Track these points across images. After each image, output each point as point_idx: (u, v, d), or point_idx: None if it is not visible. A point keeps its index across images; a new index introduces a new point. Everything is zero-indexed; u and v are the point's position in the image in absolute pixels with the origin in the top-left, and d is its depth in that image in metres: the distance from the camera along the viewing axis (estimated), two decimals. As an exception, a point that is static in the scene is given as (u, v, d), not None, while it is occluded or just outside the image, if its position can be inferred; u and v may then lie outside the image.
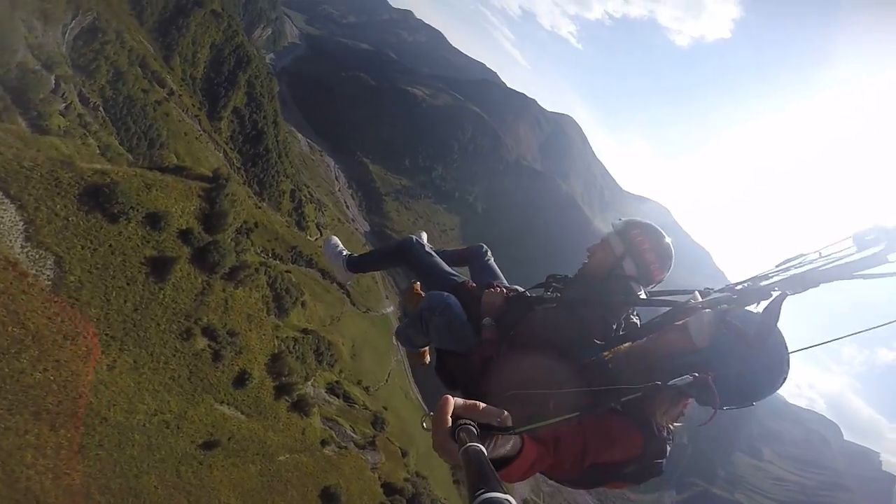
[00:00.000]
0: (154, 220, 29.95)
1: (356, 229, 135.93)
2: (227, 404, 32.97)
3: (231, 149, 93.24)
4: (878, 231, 1.66)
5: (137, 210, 28.38)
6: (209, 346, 32.41)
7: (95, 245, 25.36)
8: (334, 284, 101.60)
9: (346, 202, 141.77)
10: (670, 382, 1.64)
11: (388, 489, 45.27)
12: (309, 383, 52.50)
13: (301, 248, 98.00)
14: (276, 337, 44.45)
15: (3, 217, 20.30)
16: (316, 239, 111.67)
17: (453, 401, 1.25)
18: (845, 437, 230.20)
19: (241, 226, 65.08)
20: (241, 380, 34.43)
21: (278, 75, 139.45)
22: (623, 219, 2.85)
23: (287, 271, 76.51)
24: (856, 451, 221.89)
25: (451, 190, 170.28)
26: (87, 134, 50.80)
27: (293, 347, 54.25)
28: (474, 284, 3.35)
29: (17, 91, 44.19)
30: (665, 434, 1.95)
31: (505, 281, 3.50)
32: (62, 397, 21.36)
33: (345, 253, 4.00)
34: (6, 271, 19.94)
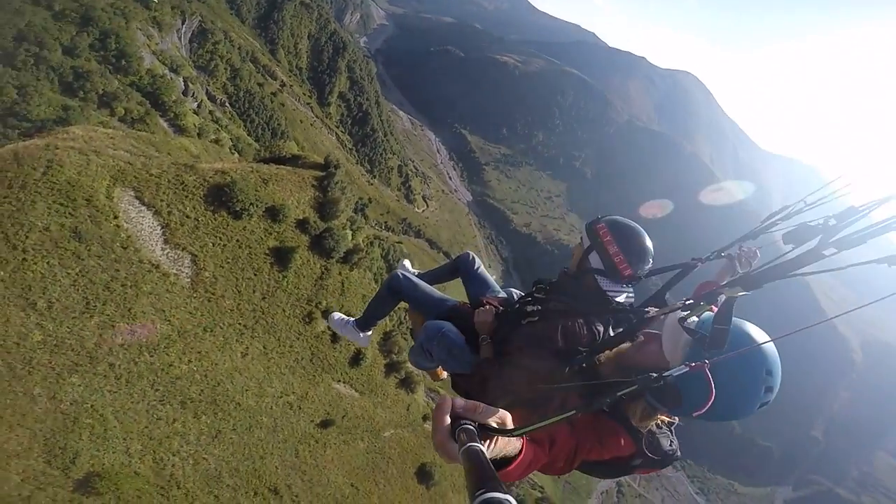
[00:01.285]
0: (273, 213, 31.42)
1: (459, 199, 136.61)
2: (344, 383, 34.57)
3: (342, 131, 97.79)
4: (806, 228, 1.70)
5: (257, 205, 29.77)
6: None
7: (224, 241, 26.99)
8: (441, 253, 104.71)
9: (448, 174, 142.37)
10: (665, 374, 1.60)
11: (481, 466, 45.61)
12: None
13: (410, 220, 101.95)
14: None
15: (142, 224, 22.04)
16: (423, 210, 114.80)
17: (451, 401, 1.25)
18: None
19: (357, 203, 69.02)
20: (356, 359, 35.92)
21: (374, 57, 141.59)
22: (599, 216, 2.80)
23: (398, 242, 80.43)
24: None
25: (555, 156, 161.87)
26: (220, 129, 55.45)
27: (404, 318, 56.55)
28: (467, 303, 3.46)
29: (153, 96, 49.07)
30: (656, 429, 2.05)
31: (497, 288, 3.58)
32: (204, 386, 23.32)
33: (351, 320, 4.10)
34: (151, 273, 21.82)
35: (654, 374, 1.60)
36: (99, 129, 25.37)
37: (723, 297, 1.73)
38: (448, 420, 1.21)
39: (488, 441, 1.25)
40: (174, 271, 23.47)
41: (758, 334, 1.88)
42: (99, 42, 48.03)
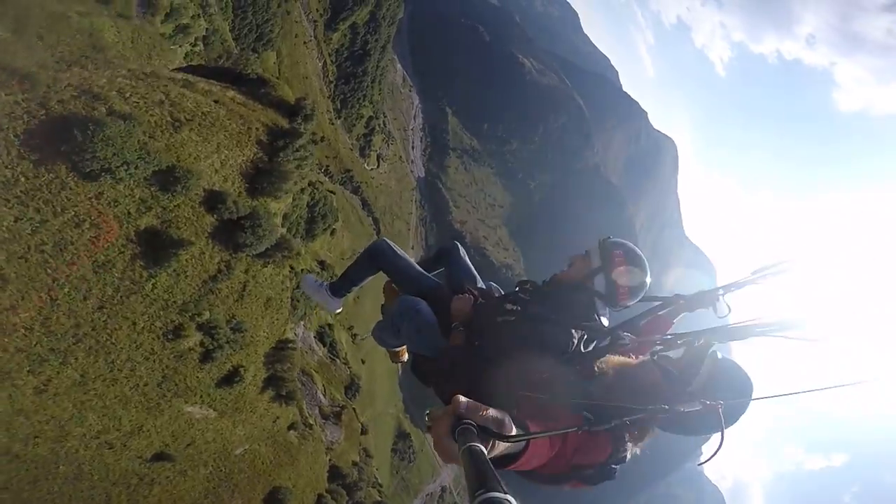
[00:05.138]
0: (167, 179, 18.52)
1: (411, 171, 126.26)
2: (201, 404, 24.90)
3: (332, 61, 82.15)
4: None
5: (139, 165, 17.15)
6: (201, 343, 22.92)
7: (45, 215, 15.33)
8: (370, 218, 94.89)
9: (413, 143, 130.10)
10: (677, 407, 1.55)
11: (334, 474, 38.93)
12: (301, 324, 45.19)
13: (354, 173, 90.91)
14: (291, 268, 33.86)
15: None
16: (372, 169, 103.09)
17: (457, 400, 1.20)
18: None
19: (311, 137, 55.84)
20: (229, 379, 25.46)
21: (406, 1, 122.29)
22: (612, 237, 2.66)
23: (331, 191, 69.84)
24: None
25: (516, 169, 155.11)
26: (202, 14, 38.28)
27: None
28: (447, 287, 3.21)
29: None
30: (626, 448, 1.98)
31: (479, 279, 3.30)
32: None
33: (325, 283, 3.69)
34: None
35: (667, 406, 1.52)
36: None
37: (701, 342, 1.75)
38: (451, 419, 1.13)
39: (490, 440, 1.16)
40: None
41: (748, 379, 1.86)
42: None
